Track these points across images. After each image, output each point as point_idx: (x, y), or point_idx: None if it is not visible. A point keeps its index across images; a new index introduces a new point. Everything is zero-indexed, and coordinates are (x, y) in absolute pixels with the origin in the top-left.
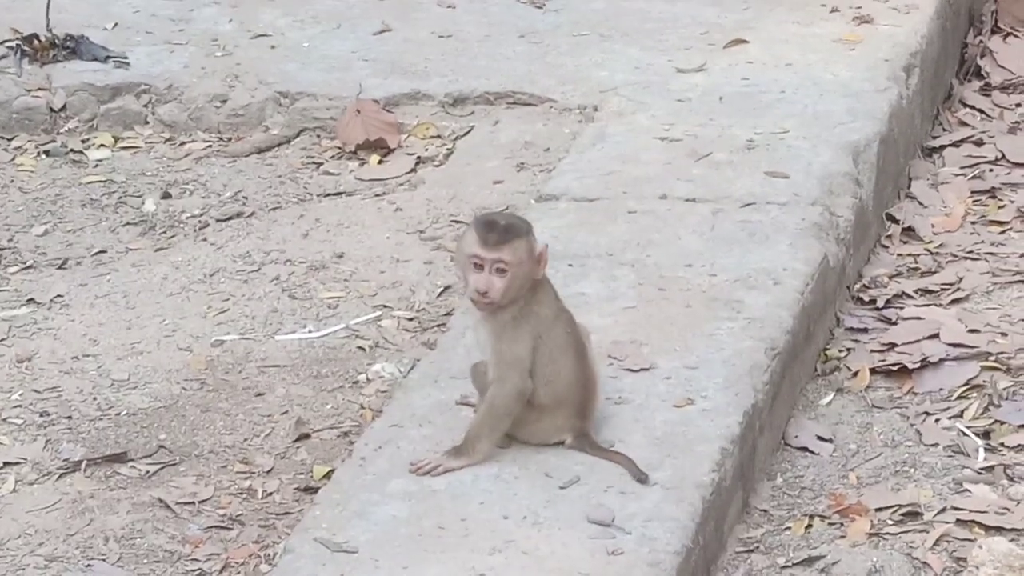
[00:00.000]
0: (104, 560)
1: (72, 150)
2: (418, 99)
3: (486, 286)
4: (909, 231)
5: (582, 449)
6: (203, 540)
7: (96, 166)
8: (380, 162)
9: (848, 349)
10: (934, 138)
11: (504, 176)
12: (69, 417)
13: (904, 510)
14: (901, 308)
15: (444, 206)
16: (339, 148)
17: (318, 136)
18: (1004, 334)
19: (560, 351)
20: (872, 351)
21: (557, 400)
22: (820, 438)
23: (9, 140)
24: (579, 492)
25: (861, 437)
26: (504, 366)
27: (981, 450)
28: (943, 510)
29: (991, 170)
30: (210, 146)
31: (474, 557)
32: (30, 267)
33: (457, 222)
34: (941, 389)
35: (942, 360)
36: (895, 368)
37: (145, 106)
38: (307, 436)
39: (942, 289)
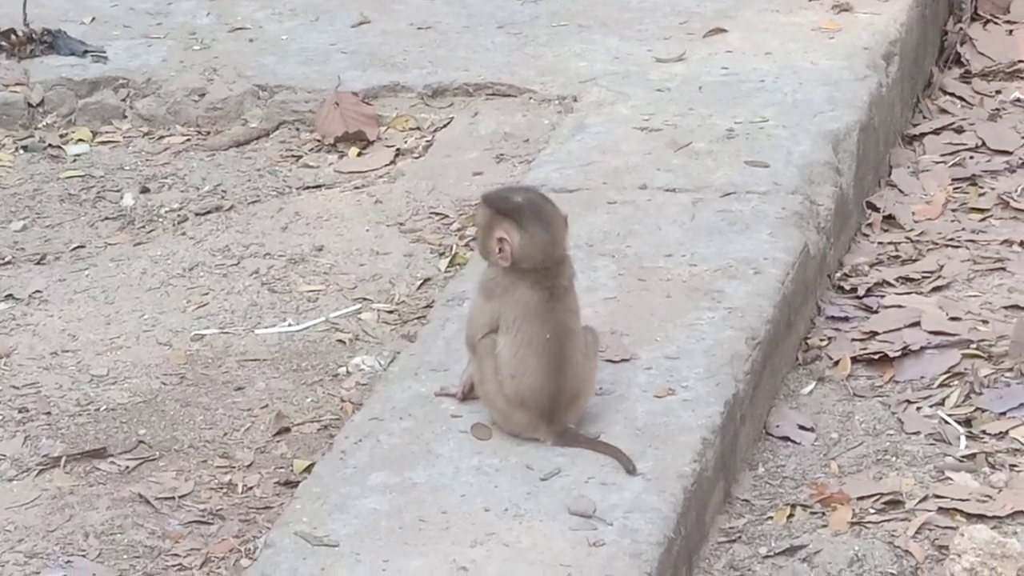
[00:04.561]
0: (84, 556)
1: (50, 145)
2: (397, 91)
3: None
4: (890, 219)
5: (567, 444)
6: (183, 535)
7: (74, 161)
8: (359, 155)
9: (829, 338)
10: (914, 126)
11: (484, 168)
12: (48, 413)
13: (886, 499)
14: (882, 296)
15: (424, 198)
16: (318, 141)
17: (297, 129)
18: (985, 322)
19: (531, 352)
20: (853, 340)
21: (521, 399)
22: (802, 427)
23: None
24: (560, 484)
25: (843, 426)
26: (469, 320)
27: (963, 438)
28: (925, 498)
29: (971, 157)
30: (188, 140)
31: (455, 550)
32: (8, 263)
33: (436, 214)
34: (922, 377)
35: (923, 348)
36: (876, 357)
37: (123, 100)
38: (287, 430)
39: (923, 277)
